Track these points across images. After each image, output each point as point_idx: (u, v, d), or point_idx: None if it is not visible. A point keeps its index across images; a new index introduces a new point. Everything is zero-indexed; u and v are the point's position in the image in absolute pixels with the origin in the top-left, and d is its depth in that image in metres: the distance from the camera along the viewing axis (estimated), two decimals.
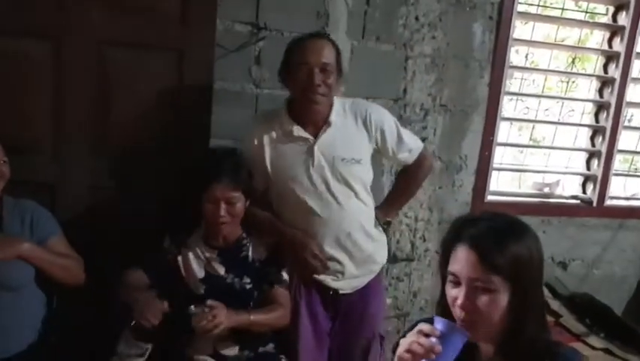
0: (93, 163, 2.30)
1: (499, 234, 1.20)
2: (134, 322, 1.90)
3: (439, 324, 1.19)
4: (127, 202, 2.33)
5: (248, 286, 2.10)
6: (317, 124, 2.08)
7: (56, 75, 2.22)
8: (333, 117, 2.09)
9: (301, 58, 2.01)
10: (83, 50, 2.22)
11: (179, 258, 2.11)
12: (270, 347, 2.14)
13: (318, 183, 2.08)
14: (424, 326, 1.21)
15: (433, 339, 1.18)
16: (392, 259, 2.81)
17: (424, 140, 2.73)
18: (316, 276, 2.15)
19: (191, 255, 2.11)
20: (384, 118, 2.17)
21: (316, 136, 2.08)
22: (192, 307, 1.91)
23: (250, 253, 2.13)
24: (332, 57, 2.03)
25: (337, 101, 2.13)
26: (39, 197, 2.18)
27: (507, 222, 1.25)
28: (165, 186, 2.34)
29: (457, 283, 1.23)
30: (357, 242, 2.14)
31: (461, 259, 1.21)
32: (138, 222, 2.29)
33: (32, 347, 2.00)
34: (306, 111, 2.06)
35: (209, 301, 1.91)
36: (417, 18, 2.63)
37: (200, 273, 2.09)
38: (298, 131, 2.08)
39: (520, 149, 3.37)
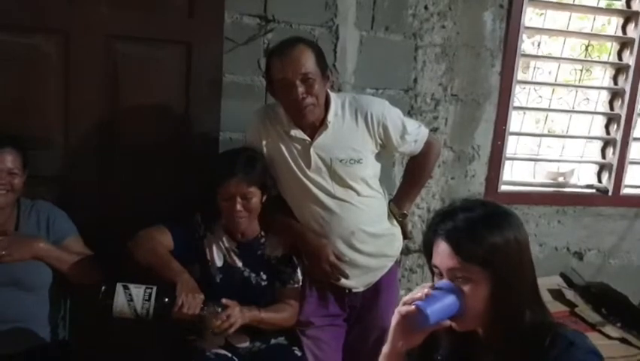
0: (103, 157, 2.31)
1: (473, 225, 1.23)
2: (167, 299, 1.87)
3: (440, 283, 1.25)
4: (137, 196, 2.33)
5: (264, 283, 2.11)
6: (314, 125, 2.04)
7: (66, 70, 2.23)
8: (331, 118, 2.03)
9: (279, 73, 1.95)
10: (92, 45, 2.23)
11: (205, 241, 2.11)
12: (281, 339, 2.14)
13: (317, 185, 2.05)
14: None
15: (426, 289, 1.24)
16: (405, 250, 2.80)
17: (435, 130, 2.73)
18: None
19: (215, 241, 2.12)
20: (386, 113, 2.08)
21: (313, 137, 2.04)
22: (217, 308, 1.90)
23: (267, 251, 2.13)
24: (311, 63, 1.94)
25: (335, 99, 2.07)
26: (50, 190, 2.22)
27: (484, 211, 1.26)
28: (175, 179, 2.34)
29: (440, 276, 1.26)
30: (363, 240, 2.10)
31: (439, 253, 1.25)
32: (148, 215, 2.29)
33: (43, 344, 2.02)
34: (300, 120, 2.02)
35: (224, 300, 1.91)
36: (426, 7, 2.62)
37: (219, 261, 2.10)
38: (295, 132, 2.04)
39: (538, 141, 3.33)
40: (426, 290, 1.23)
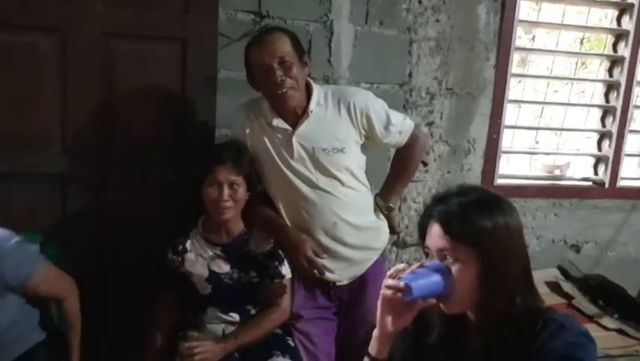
0: (101, 153, 2.32)
1: (465, 208, 1.26)
2: None
3: (429, 263, 1.28)
4: (135, 192, 2.35)
5: (255, 280, 2.11)
6: (296, 114, 2.06)
7: (63, 67, 2.23)
8: (313, 107, 2.05)
9: (257, 59, 2.00)
10: (89, 42, 2.24)
11: (182, 267, 2.12)
12: (277, 329, 2.15)
13: (300, 175, 2.06)
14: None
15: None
16: (402, 244, 2.82)
17: (430, 124, 2.74)
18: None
19: (193, 257, 2.11)
20: (369, 103, 2.10)
21: (295, 127, 2.06)
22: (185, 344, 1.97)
23: (252, 247, 2.12)
24: (287, 48, 1.99)
25: (318, 90, 2.09)
26: (47, 188, 2.23)
27: (477, 196, 1.29)
28: (172, 175, 2.35)
29: (431, 257, 1.29)
30: (345, 231, 2.10)
31: (432, 234, 1.29)
32: (146, 211, 2.31)
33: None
34: (282, 106, 2.04)
35: (197, 347, 1.95)
36: (420, 1, 2.62)
37: (204, 272, 2.10)
38: (277, 122, 2.06)
39: (536, 137, 3.33)
40: (407, 270, 1.26)
